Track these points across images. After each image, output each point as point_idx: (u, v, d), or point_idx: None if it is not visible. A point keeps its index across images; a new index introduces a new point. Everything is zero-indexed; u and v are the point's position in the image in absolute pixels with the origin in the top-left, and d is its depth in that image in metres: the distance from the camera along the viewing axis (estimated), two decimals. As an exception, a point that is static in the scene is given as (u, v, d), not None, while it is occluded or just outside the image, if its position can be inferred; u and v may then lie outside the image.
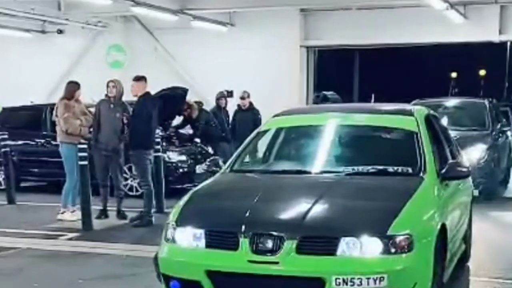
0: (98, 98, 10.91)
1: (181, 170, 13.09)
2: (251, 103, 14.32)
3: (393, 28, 17.44)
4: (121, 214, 10.67)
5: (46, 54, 20.09)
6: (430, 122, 6.82)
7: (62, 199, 10.68)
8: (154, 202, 10.55)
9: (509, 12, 16.91)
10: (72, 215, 10.49)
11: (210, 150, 13.73)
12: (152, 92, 11.01)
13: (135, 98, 10.50)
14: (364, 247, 4.92)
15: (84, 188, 9.87)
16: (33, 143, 13.83)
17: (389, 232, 4.93)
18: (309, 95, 19.37)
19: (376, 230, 4.96)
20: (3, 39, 19.89)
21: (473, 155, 11.06)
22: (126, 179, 12.69)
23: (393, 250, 4.91)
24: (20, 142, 13.67)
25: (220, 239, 5.21)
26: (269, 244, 5.02)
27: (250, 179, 6.29)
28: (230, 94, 16.22)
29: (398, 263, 4.90)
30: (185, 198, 5.90)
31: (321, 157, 6.40)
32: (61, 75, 18.96)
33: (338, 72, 33.59)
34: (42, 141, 13.63)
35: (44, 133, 13.62)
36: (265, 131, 6.95)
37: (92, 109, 10.86)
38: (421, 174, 5.85)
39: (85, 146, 9.97)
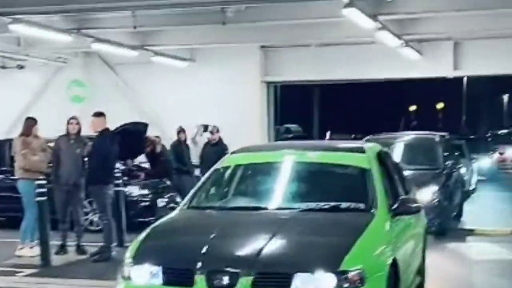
0: (59, 133, 10.93)
1: (142, 204, 13.14)
2: (220, 138, 14.57)
3: (351, 64, 17.78)
4: (80, 249, 10.66)
5: (6, 89, 19.98)
6: (382, 159, 7.01)
7: (20, 234, 10.63)
8: (115, 236, 10.58)
9: (463, 49, 17.38)
10: (31, 251, 10.43)
11: (168, 183, 13.83)
12: (113, 127, 11.12)
13: (92, 133, 10.61)
14: (318, 283, 5.00)
15: (42, 224, 9.85)
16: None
17: (341, 268, 5.04)
18: (270, 129, 19.56)
19: (329, 265, 5.05)
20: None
21: (425, 196, 11.17)
22: (86, 213, 12.70)
23: (345, 285, 5.01)
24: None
25: (176, 276, 5.25)
26: (225, 280, 5.08)
27: (207, 215, 6.38)
28: (205, 128, 16.36)
29: None
30: (143, 234, 5.95)
31: (277, 194, 6.54)
32: (21, 110, 18.81)
33: (299, 106, 33.96)
34: (1, 176, 13.55)
35: (3, 168, 13.55)
36: (223, 168, 7.04)
37: (52, 144, 10.88)
38: (372, 210, 6.00)
39: (43, 182, 9.96)
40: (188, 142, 15.85)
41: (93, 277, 9.08)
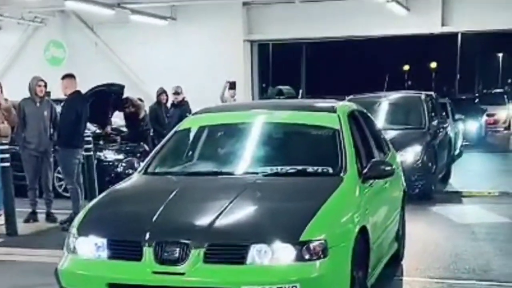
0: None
1: (117, 169, 12.67)
2: (183, 99, 14.00)
3: (337, 21, 17.34)
4: (50, 217, 10.26)
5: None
6: (355, 118, 6.54)
7: (-13, 202, 10.19)
8: (83, 202, 10.14)
9: (451, 4, 16.89)
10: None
11: (146, 147, 13.37)
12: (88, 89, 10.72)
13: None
14: (276, 255, 4.59)
15: (7, 190, 9.39)
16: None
17: (302, 238, 4.62)
18: (254, 89, 19.12)
19: (288, 236, 4.63)
20: None
21: (408, 156, 10.83)
22: (60, 179, 12.31)
23: (306, 257, 4.60)
24: None
25: (123, 249, 4.82)
26: (175, 253, 4.65)
27: (163, 182, 5.89)
28: (232, 85, 15.81)
29: (311, 271, 4.58)
30: (91, 203, 5.52)
31: (239, 158, 6.04)
32: (-3, 72, 18.38)
33: (291, 67, 33.48)
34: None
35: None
36: (184, 130, 6.58)
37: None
38: (342, 174, 5.56)
39: (6, 147, 9.49)
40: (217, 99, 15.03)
41: (60, 247, 8.63)
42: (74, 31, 19.16)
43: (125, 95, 14.06)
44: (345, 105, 6.89)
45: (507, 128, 26.81)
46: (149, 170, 6.08)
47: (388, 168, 5.89)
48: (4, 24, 19.28)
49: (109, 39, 18.95)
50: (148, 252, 4.70)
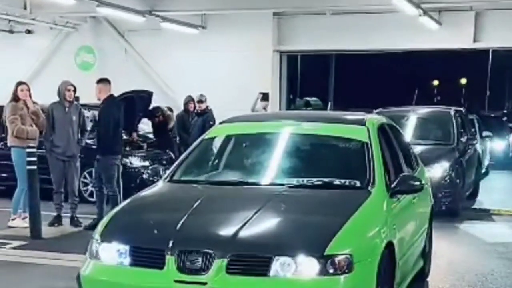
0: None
1: (143, 176, 12.68)
2: (207, 107, 13.94)
3: (367, 34, 17.18)
4: (75, 221, 10.27)
5: (14, 54, 19.62)
6: (385, 132, 6.44)
7: (12, 204, 10.24)
8: (107, 208, 10.14)
9: (484, 20, 16.67)
10: (23, 222, 10.04)
11: (172, 155, 13.37)
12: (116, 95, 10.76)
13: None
14: (299, 268, 4.48)
15: (32, 193, 9.42)
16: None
17: (326, 252, 4.51)
18: (282, 100, 19.04)
19: (313, 249, 4.52)
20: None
21: (436, 172, 10.69)
22: (86, 184, 12.35)
23: (331, 271, 4.49)
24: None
25: (145, 256, 4.75)
26: (198, 262, 4.57)
27: (187, 190, 5.79)
28: (265, 96, 15.81)
29: (335, 285, 4.49)
30: (115, 209, 5.48)
31: (265, 168, 5.96)
32: (29, 76, 18.49)
33: (319, 79, 33.36)
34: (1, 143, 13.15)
35: (2, 135, 13.13)
36: (210, 139, 6.52)
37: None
38: (369, 188, 5.43)
39: (33, 150, 9.53)
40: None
41: (83, 251, 8.63)
42: (104, 37, 19.26)
43: (155, 104, 14.09)
44: (375, 118, 6.75)
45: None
46: (175, 177, 6.02)
47: (417, 183, 5.78)
48: (36, 28, 19.46)
49: (139, 46, 19.02)
50: (170, 260, 4.62)
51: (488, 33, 16.67)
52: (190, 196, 5.51)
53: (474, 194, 13.05)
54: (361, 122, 6.19)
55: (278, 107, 18.38)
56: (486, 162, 15.49)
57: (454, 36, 16.74)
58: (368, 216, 5.09)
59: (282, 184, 5.58)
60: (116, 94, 10.58)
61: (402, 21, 15.83)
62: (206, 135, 6.59)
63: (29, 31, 19.64)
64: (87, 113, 10.92)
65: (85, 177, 12.29)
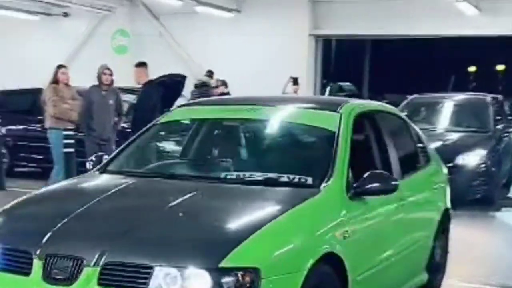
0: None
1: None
2: (223, 91, 13.90)
3: (404, 19, 17.02)
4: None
5: (51, 36, 19.84)
6: (371, 122, 5.35)
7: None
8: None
9: (526, 5, 16.38)
10: (59, 203, 10.19)
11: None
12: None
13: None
14: (187, 282, 3.60)
15: (68, 176, 9.52)
16: (28, 127, 13.52)
17: (222, 264, 3.59)
18: (317, 85, 18.96)
19: (205, 260, 3.61)
20: (6, 21, 19.57)
21: (471, 160, 10.52)
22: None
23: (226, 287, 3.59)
24: (15, 127, 13.38)
25: (14, 259, 3.94)
26: (66, 270, 3.75)
27: (107, 182, 4.83)
28: (295, 81, 15.84)
29: None
30: (7, 205, 4.57)
31: (206, 160, 5.35)
32: (65, 59, 18.64)
33: (354, 64, 33.11)
34: (37, 125, 13.32)
35: (39, 117, 13.28)
36: (160, 125, 5.64)
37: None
38: (322, 186, 4.42)
39: (71, 132, 9.65)
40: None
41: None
42: (140, 21, 19.33)
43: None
44: (357, 104, 5.46)
45: None
46: (109, 167, 5.12)
47: (393, 182, 4.65)
48: (73, 11, 19.61)
49: (174, 30, 19.06)
50: (38, 266, 3.82)
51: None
52: (102, 189, 4.62)
53: (509, 183, 12.87)
54: (334, 109, 5.07)
55: (313, 91, 18.32)
56: None
57: (493, 23, 16.47)
58: (298, 220, 4.10)
59: (218, 178, 4.75)
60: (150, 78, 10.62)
61: (440, 6, 15.65)
62: (158, 120, 5.67)
63: (66, 14, 19.79)
64: (127, 97, 11.01)
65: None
